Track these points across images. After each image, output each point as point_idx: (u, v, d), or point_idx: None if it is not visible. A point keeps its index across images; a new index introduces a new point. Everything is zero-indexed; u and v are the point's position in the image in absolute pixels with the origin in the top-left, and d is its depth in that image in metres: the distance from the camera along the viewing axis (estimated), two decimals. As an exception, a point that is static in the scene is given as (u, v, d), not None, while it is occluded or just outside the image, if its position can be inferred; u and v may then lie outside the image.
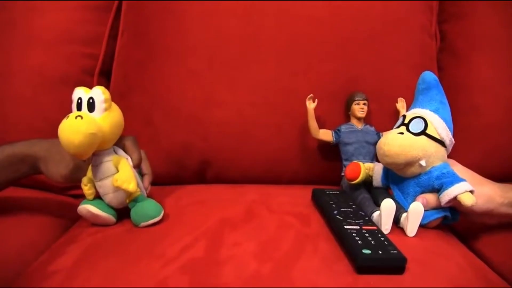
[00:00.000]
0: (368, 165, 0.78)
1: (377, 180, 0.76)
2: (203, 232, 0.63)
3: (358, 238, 0.57)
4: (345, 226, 0.61)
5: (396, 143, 0.68)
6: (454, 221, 0.70)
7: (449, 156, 0.72)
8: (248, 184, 0.90)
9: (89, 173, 0.66)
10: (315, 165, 0.92)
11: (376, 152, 0.72)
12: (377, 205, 0.71)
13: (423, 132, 0.68)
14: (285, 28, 0.93)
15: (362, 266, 0.53)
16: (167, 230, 0.64)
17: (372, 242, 0.57)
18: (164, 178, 0.91)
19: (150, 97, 0.94)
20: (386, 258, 0.54)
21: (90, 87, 0.89)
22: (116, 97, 0.95)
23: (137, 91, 0.95)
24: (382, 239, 0.58)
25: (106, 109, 0.62)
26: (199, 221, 0.67)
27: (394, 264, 0.54)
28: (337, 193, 0.77)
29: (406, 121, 0.71)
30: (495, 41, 1.00)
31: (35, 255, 0.64)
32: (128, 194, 0.65)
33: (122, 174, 0.63)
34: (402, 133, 0.69)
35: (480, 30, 1.01)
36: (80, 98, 0.61)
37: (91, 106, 0.61)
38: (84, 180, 0.66)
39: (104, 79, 1.01)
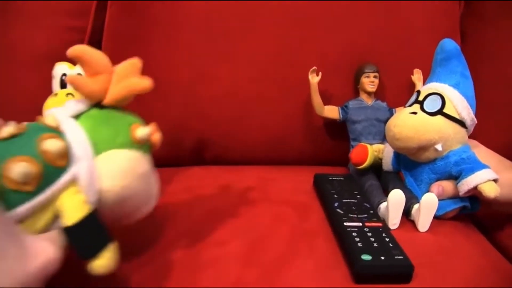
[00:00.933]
0: (378, 146, 0.70)
1: (387, 164, 0.68)
2: (185, 228, 0.56)
3: (358, 239, 0.50)
4: (345, 223, 0.54)
5: (407, 124, 0.59)
6: (474, 211, 0.61)
7: (470, 137, 0.63)
8: (249, 165, 0.84)
9: None
10: (321, 145, 0.85)
11: (385, 131, 0.64)
12: (387, 193, 0.63)
13: (440, 111, 0.59)
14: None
15: (361, 275, 0.46)
16: (143, 224, 0.57)
17: (375, 244, 0.49)
18: (159, 160, 0.84)
19: (141, 73, 0.86)
20: (389, 266, 0.46)
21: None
22: (105, 74, 0.90)
23: (126, 66, 0.87)
24: (387, 239, 0.50)
25: None
26: (183, 214, 0.60)
27: (399, 272, 0.46)
28: (341, 179, 0.69)
29: (420, 98, 0.62)
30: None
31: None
32: None
33: None
34: (415, 113, 0.60)
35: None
36: (65, 75, 0.57)
37: (64, 84, 0.58)
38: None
39: (94, 54, 0.93)
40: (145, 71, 0.84)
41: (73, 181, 0.38)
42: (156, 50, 0.86)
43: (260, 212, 0.62)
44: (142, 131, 0.45)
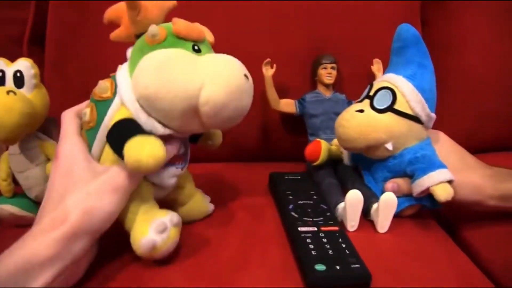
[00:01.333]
0: (336, 141, 0.66)
1: (347, 159, 0.66)
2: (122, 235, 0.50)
3: (312, 246, 0.46)
4: (299, 228, 0.50)
5: (352, 124, 0.56)
6: (435, 207, 0.58)
7: (434, 125, 0.60)
8: (201, 163, 0.78)
9: (4, 164, 0.56)
10: (277, 141, 0.81)
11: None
12: (346, 190, 0.60)
13: (390, 108, 0.56)
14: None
15: (313, 286, 0.42)
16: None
17: (330, 252, 0.46)
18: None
19: (88, 67, 0.81)
20: (344, 276, 0.43)
21: (18, 57, 0.77)
22: (51, 69, 0.84)
23: (73, 61, 0.82)
24: (344, 245, 0.47)
25: (36, 86, 0.55)
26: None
27: (355, 283, 0.43)
28: (297, 178, 0.65)
29: (371, 93, 0.58)
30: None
31: None
32: None
33: None
34: (361, 111, 0.56)
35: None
36: (2, 71, 0.52)
37: (19, 81, 0.53)
38: (2, 174, 0.56)
39: (37, 47, 0.87)
40: (91, 67, 0.80)
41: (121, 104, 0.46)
42: (103, 42, 0.78)
43: (210, 215, 0.58)
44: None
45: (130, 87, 0.46)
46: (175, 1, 0.52)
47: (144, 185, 0.47)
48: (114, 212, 0.43)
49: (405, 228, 0.56)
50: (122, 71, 0.49)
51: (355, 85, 0.77)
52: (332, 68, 0.74)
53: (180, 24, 0.47)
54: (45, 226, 0.40)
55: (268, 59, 0.73)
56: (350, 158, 0.65)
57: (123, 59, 0.78)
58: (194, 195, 0.57)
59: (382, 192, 0.57)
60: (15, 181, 0.57)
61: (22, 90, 0.52)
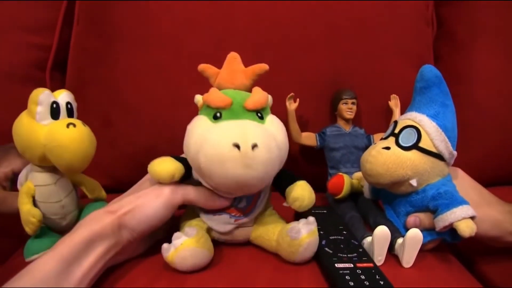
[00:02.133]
0: (359, 174, 0.69)
1: (366, 193, 0.67)
2: (162, 266, 0.52)
3: (352, 284, 0.47)
4: (336, 265, 0.51)
5: (379, 161, 0.57)
6: (454, 241, 0.59)
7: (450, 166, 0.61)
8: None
9: (30, 202, 0.54)
10: (298, 173, 0.81)
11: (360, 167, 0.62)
12: (367, 223, 0.62)
13: (415, 146, 0.57)
14: (262, 16, 0.82)
15: None
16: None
17: None
18: (126, 185, 0.80)
19: (108, 93, 0.83)
20: None
21: (41, 83, 0.78)
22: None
23: (94, 86, 0.84)
24: (381, 282, 0.48)
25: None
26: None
27: None
28: (324, 212, 0.66)
29: (396, 131, 0.60)
30: (499, 27, 0.90)
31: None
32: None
33: (91, 183, 0.63)
34: (388, 148, 0.58)
35: (482, 15, 0.91)
36: (55, 103, 0.53)
37: (70, 113, 0.56)
38: (36, 213, 0.53)
39: (58, 73, 0.89)
40: (111, 93, 0.82)
41: None
42: (125, 69, 0.82)
43: (239, 248, 0.58)
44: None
45: None
46: (264, 65, 0.58)
47: (199, 222, 0.56)
48: (149, 215, 0.51)
49: (426, 262, 0.57)
50: None
51: (373, 120, 0.80)
52: (353, 103, 0.76)
53: (207, 93, 0.53)
54: (103, 212, 0.49)
55: (292, 94, 0.74)
56: (371, 192, 0.66)
57: (143, 88, 0.80)
58: (279, 232, 0.55)
59: (404, 225, 0.59)
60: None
61: None
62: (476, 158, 0.87)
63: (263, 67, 0.57)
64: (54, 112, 0.52)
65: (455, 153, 0.59)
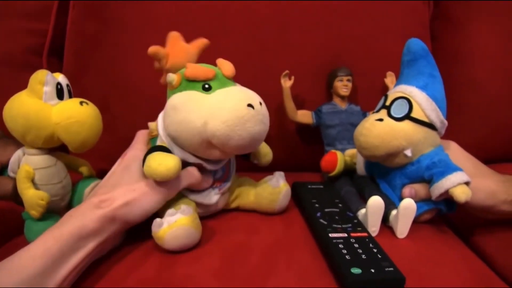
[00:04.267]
0: (351, 151, 0.69)
1: (361, 169, 0.68)
2: (155, 245, 0.52)
3: (346, 251, 0.48)
4: (330, 234, 0.51)
5: (373, 133, 0.58)
6: (450, 212, 0.60)
7: (443, 137, 0.62)
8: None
9: (30, 184, 0.52)
10: (294, 151, 0.82)
11: (353, 140, 0.62)
12: (363, 198, 0.62)
13: (407, 116, 0.58)
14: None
15: None
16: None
17: (363, 256, 0.47)
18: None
19: (105, 77, 0.83)
20: (380, 279, 0.44)
21: (38, 68, 0.78)
22: (69, 80, 0.85)
23: (91, 71, 0.84)
24: (375, 250, 0.48)
25: None
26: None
27: (391, 285, 0.44)
28: (320, 187, 0.67)
29: (387, 103, 0.60)
30: (495, 6, 0.90)
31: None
32: None
33: (86, 164, 0.62)
34: (381, 120, 0.58)
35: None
36: (59, 84, 0.53)
37: (70, 94, 0.56)
38: (44, 195, 0.51)
39: (55, 59, 0.89)
40: (108, 78, 0.82)
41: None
42: (121, 53, 0.82)
43: (236, 223, 0.59)
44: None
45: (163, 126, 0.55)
46: (205, 40, 0.60)
47: (186, 201, 0.56)
48: (148, 210, 0.51)
49: (421, 233, 0.57)
50: (161, 113, 0.57)
51: (369, 97, 0.79)
52: (348, 80, 0.76)
53: (188, 69, 0.53)
54: (94, 205, 0.47)
55: (287, 71, 0.75)
56: (365, 168, 0.67)
57: (140, 72, 0.80)
58: (257, 186, 0.62)
59: (400, 198, 0.59)
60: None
61: None
62: (475, 136, 0.87)
63: (205, 41, 0.60)
64: (59, 92, 0.53)
65: (446, 122, 0.60)
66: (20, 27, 0.85)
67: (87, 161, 0.62)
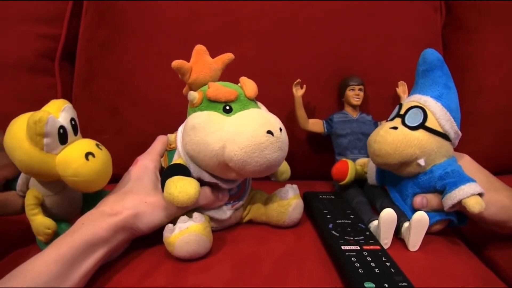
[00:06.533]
0: (362, 160, 0.69)
1: (372, 179, 0.67)
2: (168, 252, 0.52)
3: (358, 265, 0.47)
4: (343, 247, 0.51)
5: (387, 140, 0.57)
6: (461, 225, 0.60)
7: (455, 149, 0.61)
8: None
9: (38, 210, 0.52)
10: (305, 159, 0.82)
11: (367, 147, 0.62)
12: (374, 208, 0.62)
13: (422, 125, 0.58)
14: (267, 4, 0.82)
15: None
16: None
17: (376, 270, 0.47)
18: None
19: (116, 83, 0.83)
20: None
21: (51, 73, 0.78)
22: (80, 85, 0.86)
23: (102, 76, 0.84)
24: (388, 264, 0.48)
25: None
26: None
27: None
28: (331, 198, 0.66)
29: (402, 112, 0.60)
30: (507, 13, 0.89)
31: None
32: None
33: None
34: (395, 128, 0.58)
35: (490, 1, 0.90)
36: (62, 128, 0.47)
37: (75, 129, 0.50)
38: (51, 224, 0.51)
39: (67, 63, 0.89)
40: (118, 82, 0.82)
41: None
42: (132, 59, 0.83)
43: (246, 234, 0.59)
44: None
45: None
46: (230, 55, 0.59)
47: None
48: (156, 223, 0.52)
49: (433, 245, 0.56)
50: (181, 127, 0.57)
51: (381, 106, 0.79)
52: (360, 89, 0.75)
53: (210, 89, 0.53)
54: (105, 212, 0.49)
55: (298, 80, 0.74)
56: (376, 178, 0.66)
57: (151, 77, 0.81)
58: (268, 198, 0.61)
59: (411, 208, 0.59)
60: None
61: (79, 136, 0.51)
62: (486, 145, 0.87)
63: (230, 56, 0.59)
64: (62, 137, 0.47)
65: (459, 133, 0.60)
66: (33, 31, 0.86)
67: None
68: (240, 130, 0.50)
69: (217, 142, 0.50)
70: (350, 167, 0.67)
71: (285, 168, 0.65)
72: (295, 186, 0.61)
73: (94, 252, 0.46)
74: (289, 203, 0.58)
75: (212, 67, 0.57)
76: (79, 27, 0.88)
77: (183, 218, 0.51)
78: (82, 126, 0.79)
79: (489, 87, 0.87)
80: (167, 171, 0.52)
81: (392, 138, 0.57)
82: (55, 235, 0.51)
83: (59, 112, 0.48)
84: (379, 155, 0.58)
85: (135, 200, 0.51)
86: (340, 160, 0.69)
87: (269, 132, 0.49)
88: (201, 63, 0.57)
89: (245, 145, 0.49)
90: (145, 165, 0.57)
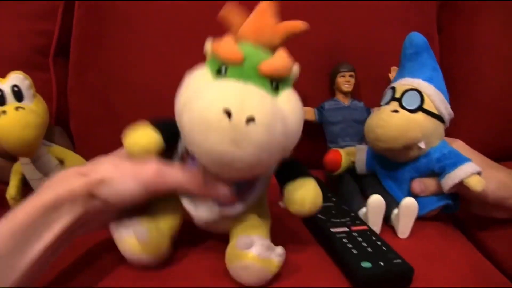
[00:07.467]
0: (350, 149, 0.68)
1: (361, 168, 0.66)
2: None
3: (351, 245, 0.47)
4: (332, 229, 0.51)
5: (391, 124, 0.57)
6: (454, 210, 0.60)
7: (446, 129, 0.61)
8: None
9: (16, 178, 0.58)
10: (297, 148, 0.81)
11: (365, 135, 0.61)
12: (365, 195, 0.61)
13: (420, 108, 0.57)
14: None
15: (365, 283, 0.43)
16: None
17: (368, 249, 0.47)
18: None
19: (108, 76, 0.83)
20: (390, 271, 0.44)
21: (45, 68, 0.78)
22: (74, 79, 0.86)
23: (95, 70, 0.84)
24: (379, 243, 0.49)
25: (34, 96, 0.57)
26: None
27: (401, 277, 0.45)
28: None
29: (397, 95, 0.60)
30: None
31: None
32: None
33: (73, 159, 0.59)
34: (396, 111, 0.58)
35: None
36: (0, 90, 0.53)
37: (18, 95, 0.55)
38: (12, 192, 0.58)
39: (61, 59, 0.89)
40: (109, 75, 0.82)
41: None
42: (123, 52, 0.82)
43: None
44: None
45: None
46: (300, 24, 0.48)
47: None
48: (123, 194, 0.44)
49: (426, 231, 0.56)
50: None
51: (372, 93, 0.78)
52: (350, 76, 0.75)
53: (219, 41, 0.44)
54: (72, 173, 0.43)
55: (289, 67, 0.74)
56: (365, 166, 0.66)
57: (144, 70, 0.81)
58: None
59: (409, 193, 0.58)
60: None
61: (25, 103, 0.54)
62: (482, 129, 0.86)
63: (299, 25, 0.47)
64: (0, 99, 0.53)
65: (452, 113, 0.60)
66: (27, 28, 0.86)
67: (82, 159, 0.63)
68: (197, 95, 0.39)
69: (180, 103, 0.41)
70: (343, 157, 0.66)
71: (298, 198, 0.46)
72: (280, 251, 0.43)
73: (59, 216, 0.40)
74: (239, 256, 0.42)
75: (266, 30, 0.45)
76: (72, 23, 0.88)
77: (127, 223, 0.44)
78: (77, 119, 0.80)
79: (485, 70, 0.86)
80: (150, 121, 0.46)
81: (395, 122, 0.57)
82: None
83: (5, 80, 0.55)
84: (383, 140, 0.58)
85: (107, 165, 0.45)
86: (331, 150, 0.68)
87: (227, 112, 0.36)
88: (255, 21, 0.45)
89: (192, 116, 0.38)
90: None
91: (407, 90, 0.59)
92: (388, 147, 0.58)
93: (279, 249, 0.43)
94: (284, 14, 0.79)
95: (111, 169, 0.44)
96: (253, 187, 0.47)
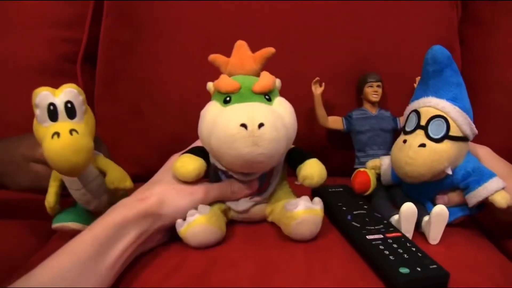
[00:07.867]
0: (374, 163, 0.68)
1: (387, 180, 0.66)
2: (192, 249, 0.53)
3: (388, 252, 0.48)
4: (367, 236, 0.52)
5: (419, 161, 0.56)
6: (478, 212, 0.60)
7: (477, 141, 0.62)
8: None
9: (55, 186, 0.58)
10: (325, 156, 0.82)
11: (393, 166, 0.61)
12: (394, 203, 0.62)
13: (446, 136, 0.57)
14: (285, 3, 0.83)
15: None
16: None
17: (405, 256, 0.48)
18: (154, 173, 0.82)
19: (137, 84, 0.85)
20: (428, 277, 0.45)
21: (73, 76, 0.80)
22: (102, 86, 0.88)
23: (124, 78, 0.86)
24: (414, 249, 0.49)
25: (85, 112, 0.54)
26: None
27: (438, 282, 0.46)
28: (341, 190, 0.68)
29: (422, 123, 0.58)
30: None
31: (23, 258, 0.60)
32: (119, 193, 0.61)
33: (114, 173, 0.59)
34: (423, 145, 0.56)
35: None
36: (52, 104, 0.50)
37: (71, 112, 0.52)
38: (51, 200, 0.59)
39: (88, 66, 0.91)
40: (140, 84, 0.84)
41: None
42: (153, 60, 0.84)
43: (269, 228, 0.59)
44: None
45: None
46: (270, 49, 0.59)
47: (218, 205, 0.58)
48: (180, 207, 0.53)
49: (454, 238, 0.57)
50: None
51: (399, 102, 0.79)
52: (378, 86, 0.76)
53: (218, 80, 0.56)
54: (134, 198, 0.52)
55: (317, 78, 0.75)
56: (391, 179, 0.65)
57: (173, 78, 0.82)
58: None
59: (433, 204, 0.58)
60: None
61: (76, 121, 0.52)
62: (505, 141, 0.86)
63: (270, 50, 0.59)
64: (52, 114, 0.50)
65: (476, 131, 0.59)
66: (55, 36, 0.88)
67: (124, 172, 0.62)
68: (217, 120, 0.52)
69: (205, 131, 0.53)
70: (371, 177, 0.65)
71: (308, 173, 0.56)
72: (317, 200, 0.56)
73: (126, 233, 0.47)
74: (293, 216, 0.53)
75: (247, 61, 0.58)
76: (100, 29, 0.90)
77: (191, 212, 0.53)
78: (105, 127, 0.81)
79: (507, 81, 0.86)
80: (185, 151, 0.57)
81: (423, 159, 0.56)
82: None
83: (59, 93, 0.52)
84: (412, 176, 0.58)
85: (163, 187, 0.54)
86: (358, 172, 0.67)
87: (243, 125, 0.49)
88: (238, 57, 0.59)
89: (217, 136, 0.51)
90: (176, 157, 0.58)
91: (432, 118, 0.58)
92: (416, 181, 0.58)
93: (317, 199, 0.56)
94: (315, 28, 0.81)
95: (168, 190, 0.54)
96: (272, 175, 0.59)
